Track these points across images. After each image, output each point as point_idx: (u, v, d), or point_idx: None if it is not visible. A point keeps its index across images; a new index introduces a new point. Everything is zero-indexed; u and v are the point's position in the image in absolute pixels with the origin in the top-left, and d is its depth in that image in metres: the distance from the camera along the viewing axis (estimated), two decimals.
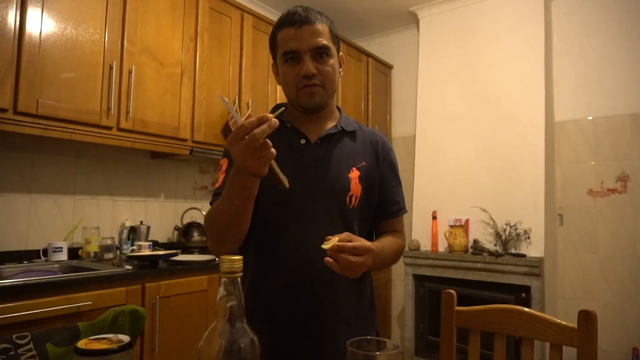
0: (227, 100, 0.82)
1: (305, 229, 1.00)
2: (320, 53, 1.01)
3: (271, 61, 1.12)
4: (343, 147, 1.08)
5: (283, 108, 0.97)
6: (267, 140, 0.76)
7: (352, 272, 0.86)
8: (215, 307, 0.55)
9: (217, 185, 1.06)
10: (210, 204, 1.06)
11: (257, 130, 0.74)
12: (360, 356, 0.54)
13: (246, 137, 0.75)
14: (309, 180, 1.02)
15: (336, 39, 1.07)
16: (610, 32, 2.93)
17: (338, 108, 1.16)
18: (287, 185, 0.84)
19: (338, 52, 1.07)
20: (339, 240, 0.84)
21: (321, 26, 1.01)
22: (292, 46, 0.99)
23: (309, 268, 0.98)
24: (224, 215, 0.94)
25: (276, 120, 0.76)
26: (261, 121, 0.75)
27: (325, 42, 1.01)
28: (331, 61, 1.03)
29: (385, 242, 1.05)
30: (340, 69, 1.09)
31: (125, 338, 0.58)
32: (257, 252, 1.05)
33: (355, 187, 1.04)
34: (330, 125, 1.10)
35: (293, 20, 1.00)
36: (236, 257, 0.55)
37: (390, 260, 1.10)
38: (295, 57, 1.00)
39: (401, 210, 1.16)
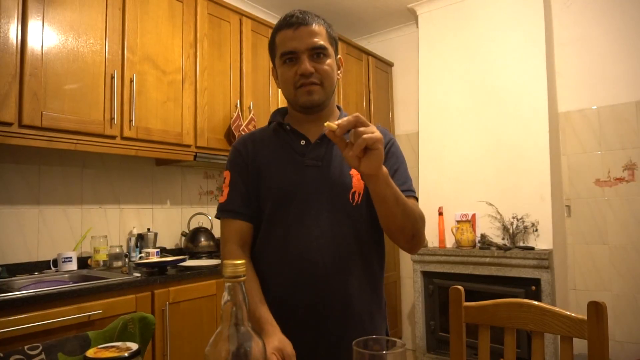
0: None
1: (311, 229, 1.00)
2: (318, 53, 1.02)
3: (271, 64, 1.13)
4: None
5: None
6: None
7: (372, 143, 0.78)
8: (221, 312, 0.56)
9: (223, 200, 1.08)
10: (217, 217, 1.09)
11: None
12: (366, 356, 0.54)
13: None
14: (311, 180, 1.03)
15: (334, 40, 1.08)
16: (611, 20, 2.90)
17: (338, 107, 1.16)
18: None
19: (336, 54, 1.08)
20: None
21: (318, 27, 1.03)
22: (290, 46, 1.01)
23: (317, 268, 0.98)
24: None
25: None
26: None
27: (322, 42, 1.02)
28: (328, 61, 1.03)
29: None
30: (339, 71, 1.09)
31: (133, 346, 0.58)
32: (264, 255, 1.05)
33: (358, 184, 1.04)
34: None
35: (291, 22, 1.02)
36: (239, 262, 0.56)
37: (405, 208, 0.93)
38: (293, 58, 1.02)
39: (409, 191, 1.03)
